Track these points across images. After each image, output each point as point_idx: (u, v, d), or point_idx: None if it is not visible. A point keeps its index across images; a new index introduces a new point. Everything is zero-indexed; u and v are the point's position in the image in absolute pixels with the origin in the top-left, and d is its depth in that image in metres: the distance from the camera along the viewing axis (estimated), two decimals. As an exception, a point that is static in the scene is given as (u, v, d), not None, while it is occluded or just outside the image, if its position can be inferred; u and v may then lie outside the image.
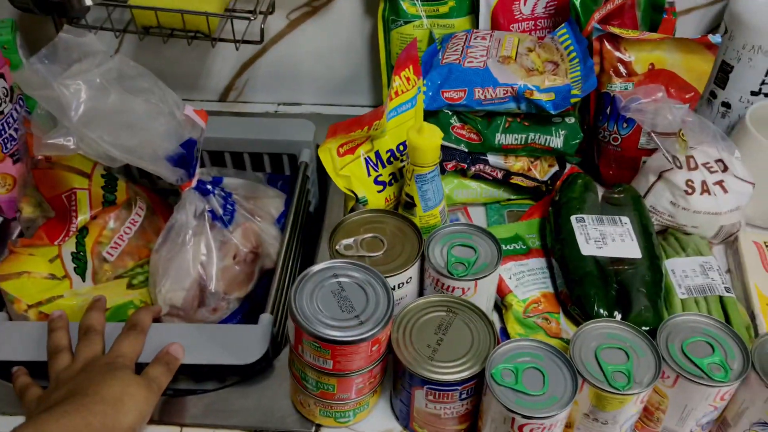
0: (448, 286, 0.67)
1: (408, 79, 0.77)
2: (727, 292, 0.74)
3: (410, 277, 0.69)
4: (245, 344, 0.70)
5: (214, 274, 0.78)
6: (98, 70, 0.65)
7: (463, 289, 0.67)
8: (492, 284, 0.70)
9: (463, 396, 0.61)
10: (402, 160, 0.80)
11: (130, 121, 0.69)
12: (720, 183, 0.81)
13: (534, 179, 0.87)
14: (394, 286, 0.68)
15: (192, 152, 0.75)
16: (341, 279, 0.63)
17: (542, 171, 0.88)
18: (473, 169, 0.87)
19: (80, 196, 0.81)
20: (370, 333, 0.58)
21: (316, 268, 0.63)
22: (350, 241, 0.71)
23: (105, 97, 0.66)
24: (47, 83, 0.63)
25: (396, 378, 0.65)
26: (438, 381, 0.60)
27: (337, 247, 0.70)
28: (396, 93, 0.77)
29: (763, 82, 0.89)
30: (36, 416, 0.57)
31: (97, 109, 0.65)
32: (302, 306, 0.60)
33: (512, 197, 0.91)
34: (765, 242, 0.82)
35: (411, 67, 0.77)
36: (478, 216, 0.91)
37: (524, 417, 0.56)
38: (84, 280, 0.79)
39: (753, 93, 0.90)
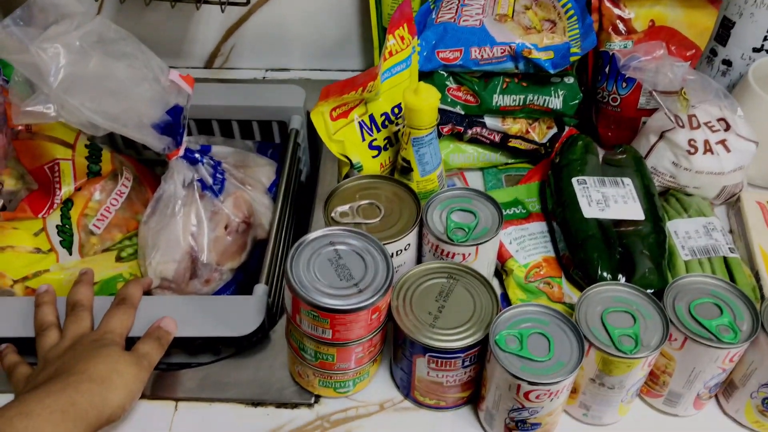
0: (448, 252, 0.66)
1: (402, 38, 0.74)
2: (731, 252, 0.73)
3: (408, 244, 0.67)
4: (240, 316, 0.68)
5: (205, 245, 0.76)
6: (77, 32, 0.62)
7: (463, 255, 0.65)
8: (493, 249, 0.68)
9: (466, 363, 0.60)
10: (397, 124, 0.78)
11: (112, 87, 0.66)
12: (722, 142, 0.79)
13: (532, 142, 0.85)
14: (393, 253, 0.66)
15: (179, 119, 0.72)
16: (338, 247, 0.60)
17: (541, 133, 0.86)
18: (470, 132, 0.84)
19: (63, 167, 0.78)
20: (369, 301, 0.56)
21: (312, 235, 0.61)
22: (346, 207, 0.69)
23: (86, 61, 0.62)
24: (23, 47, 0.59)
25: (396, 346, 0.64)
26: (440, 348, 0.58)
27: (332, 215, 0.68)
28: (390, 53, 0.74)
29: (765, 38, 0.86)
30: (21, 396, 0.55)
31: (77, 74, 0.61)
32: (299, 275, 0.58)
33: (510, 161, 0.89)
34: (768, 202, 0.81)
35: (405, 25, 0.75)
36: (476, 181, 0.89)
37: (530, 383, 0.55)
38: (70, 254, 0.76)
39: (755, 50, 0.88)
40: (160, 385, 0.68)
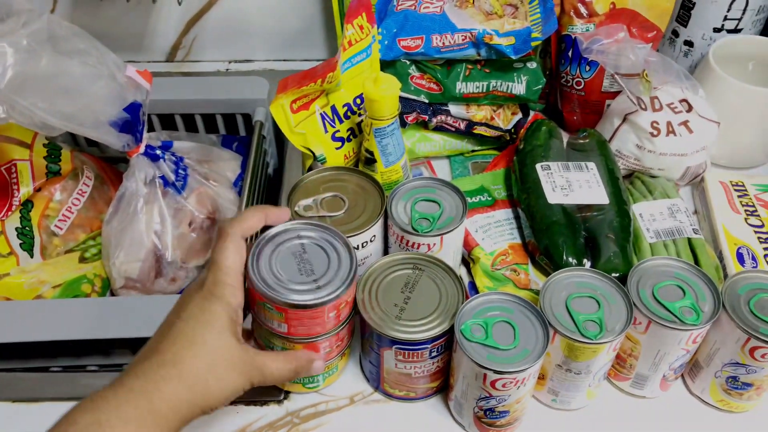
0: (413, 243, 0.65)
1: (361, 27, 0.73)
2: (695, 233, 0.73)
3: (374, 236, 0.67)
4: (206, 314, 0.67)
5: (169, 243, 0.75)
6: (25, 30, 0.60)
7: (428, 245, 0.65)
8: (458, 238, 0.68)
9: (434, 354, 0.60)
10: (360, 114, 0.77)
11: (66, 85, 0.64)
12: (685, 123, 0.79)
13: (497, 128, 0.85)
14: (358, 245, 0.66)
15: (137, 116, 0.71)
16: (303, 241, 0.59)
17: (505, 119, 0.85)
18: (435, 120, 0.84)
19: (21, 168, 0.76)
20: (326, 298, 0.55)
21: (274, 230, 0.60)
22: (309, 201, 0.68)
23: (35, 60, 0.61)
24: (-32, 47, 0.58)
25: (364, 339, 0.63)
26: (406, 340, 0.58)
27: (296, 208, 0.67)
28: (349, 43, 0.73)
29: (725, 18, 0.87)
30: (103, 393, 0.47)
31: (27, 74, 0.60)
32: (259, 268, 0.56)
33: (476, 148, 0.89)
34: (731, 182, 0.81)
35: (364, 14, 0.74)
36: (443, 169, 0.89)
37: (496, 372, 0.55)
38: (32, 257, 0.75)
39: (716, 30, 0.88)
40: (127, 386, 0.67)
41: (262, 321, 0.58)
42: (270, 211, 0.59)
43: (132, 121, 0.70)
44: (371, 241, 0.67)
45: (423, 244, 0.65)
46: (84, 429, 0.44)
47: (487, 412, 0.60)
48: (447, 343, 0.60)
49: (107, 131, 0.69)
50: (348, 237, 0.60)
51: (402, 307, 0.60)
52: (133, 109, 0.70)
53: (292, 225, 0.60)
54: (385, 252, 0.71)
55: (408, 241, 0.65)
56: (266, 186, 0.92)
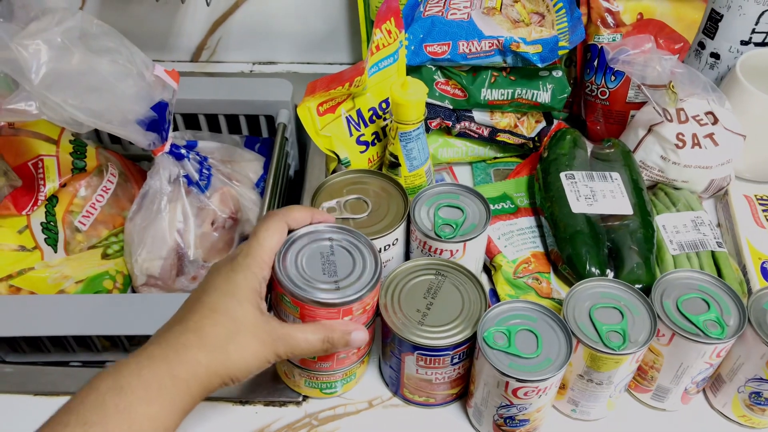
0: (436, 249, 0.65)
1: (389, 32, 0.74)
2: (719, 247, 0.73)
3: (396, 239, 0.67)
4: (227, 313, 0.67)
5: (192, 242, 0.75)
6: (59, 28, 0.61)
7: (451, 251, 0.65)
8: (481, 245, 0.68)
9: (455, 360, 0.60)
10: (385, 119, 0.77)
11: (95, 83, 0.65)
12: (710, 136, 0.79)
13: (521, 136, 0.85)
14: (380, 248, 0.66)
15: (164, 115, 0.72)
16: (330, 243, 0.59)
17: (529, 127, 0.85)
18: (458, 126, 0.84)
19: (48, 164, 0.77)
20: (343, 300, 0.55)
21: (304, 230, 0.59)
22: (333, 203, 0.68)
23: (68, 57, 0.61)
24: (4, 43, 0.58)
25: (385, 344, 0.63)
26: (429, 346, 0.58)
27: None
28: (377, 47, 0.73)
29: (753, 31, 0.86)
30: (126, 361, 0.48)
31: (59, 71, 0.60)
32: (285, 262, 0.56)
33: (498, 155, 0.89)
34: (756, 195, 0.81)
35: (392, 19, 0.74)
36: (464, 175, 0.89)
37: (518, 380, 0.55)
38: (56, 251, 0.76)
39: (743, 42, 0.87)
40: (147, 383, 0.67)
41: (278, 314, 0.58)
42: (317, 213, 0.60)
43: (158, 119, 0.71)
44: (393, 244, 0.67)
45: (446, 250, 0.65)
46: (104, 393, 0.45)
47: (507, 421, 0.59)
48: (469, 350, 0.60)
49: (134, 129, 0.69)
50: (371, 239, 0.60)
51: (425, 312, 0.60)
52: (160, 108, 0.70)
53: (323, 227, 0.60)
54: (407, 256, 0.71)
55: (431, 247, 0.65)
56: (287, 187, 0.93)
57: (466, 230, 0.66)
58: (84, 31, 0.64)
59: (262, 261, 0.54)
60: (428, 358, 0.59)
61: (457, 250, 0.65)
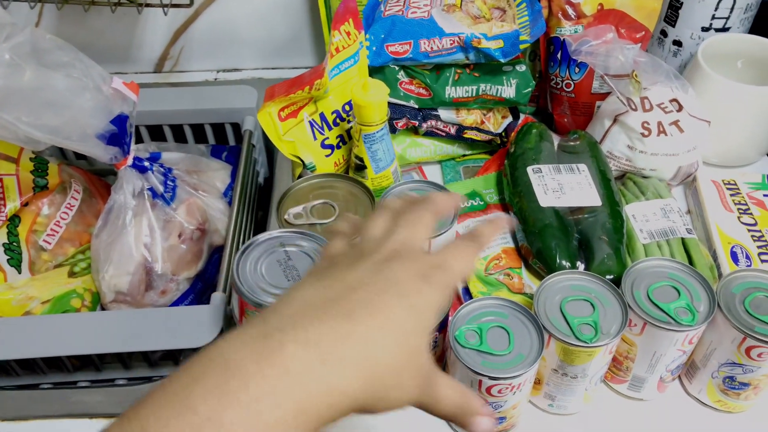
0: None
1: (348, 33, 0.73)
2: (688, 233, 0.73)
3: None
4: (198, 326, 0.66)
5: (159, 255, 0.74)
6: (7, 44, 0.59)
7: None
8: (448, 242, 0.67)
9: None
10: (349, 121, 0.77)
11: (50, 98, 0.63)
12: (675, 123, 0.79)
13: (488, 132, 0.85)
14: None
15: (124, 128, 0.70)
16: (288, 248, 0.59)
17: (496, 123, 0.85)
18: (425, 125, 0.83)
19: (7, 183, 0.75)
20: None
21: (261, 237, 0.59)
22: (299, 209, 0.67)
23: (18, 74, 0.60)
24: (-50, 62, 0.57)
25: None
26: None
27: (285, 217, 0.67)
28: (336, 49, 0.72)
29: (713, 17, 0.87)
30: (225, 381, 0.32)
31: (10, 88, 0.59)
32: (245, 275, 0.56)
33: (467, 152, 0.89)
34: (723, 180, 0.81)
35: (351, 20, 0.73)
36: (434, 174, 0.88)
37: (491, 378, 0.54)
38: (20, 272, 0.74)
39: (704, 29, 0.88)
40: (120, 401, 0.66)
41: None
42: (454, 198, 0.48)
43: (119, 133, 0.69)
44: None
45: None
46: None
47: (484, 419, 0.59)
48: (437, 350, 0.59)
49: (94, 144, 0.68)
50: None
51: None
52: (120, 121, 0.69)
53: (278, 233, 0.60)
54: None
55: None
56: (257, 195, 0.92)
57: None
58: (35, 46, 0.63)
59: (454, 285, 0.41)
60: None
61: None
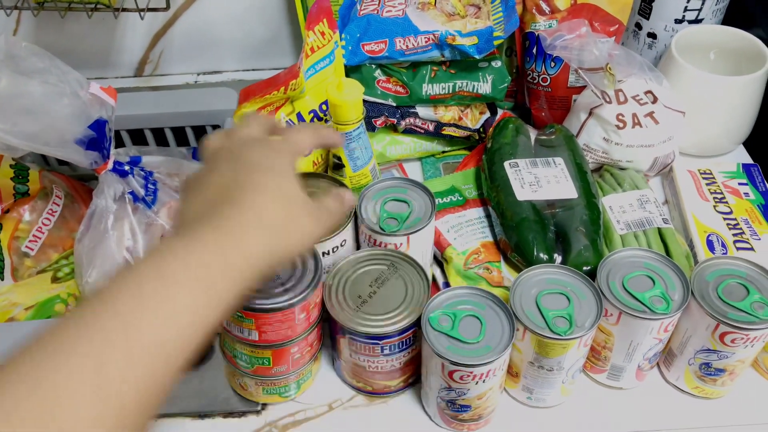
0: (381, 243, 0.66)
1: (323, 33, 0.73)
2: (665, 223, 0.74)
3: (344, 240, 0.67)
4: (180, 328, 0.67)
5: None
6: (-19, 52, 0.60)
7: (395, 245, 0.65)
8: (426, 238, 0.68)
9: (386, 352, 0.60)
10: (326, 120, 0.77)
11: (27, 105, 0.64)
12: (651, 114, 0.80)
13: (466, 128, 0.85)
14: (329, 251, 0.66)
15: (103, 133, 0.71)
16: None
17: (473, 119, 0.86)
18: (403, 123, 0.84)
19: (-12, 190, 0.76)
20: (295, 299, 0.56)
21: None
22: None
23: (-7, 81, 0.60)
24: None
25: (329, 325, 0.64)
26: (358, 332, 0.58)
27: None
28: (312, 49, 0.73)
29: (685, 9, 0.87)
30: (166, 243, 0.41)
31: (-15, 96, 0.60)
32: None
33: (447, 149, 0.89)
34: (699, 170, 0.82)
35: (325, 20, 0.74)
36: (414, 171, 0.89)
37: (452, 363, 0.55)
38: (2, 279, 0.75)
39: (677, 21, 0.89)
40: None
41: (231, 331, 0.58)
42: (323, 131, 0.55)
43: (98, 138, 0.70)
44: (342, 245, 0.67)
45: (390, 243, 0.65)
46: (143, 280, 0.38)
47: (449, 404, 0.60)
48: (401, 343, 0.60)
49: (73, 149, 0.68)
50: (318, 242, 0.61)
51: (365, 300, 0.60)
52: (99, 126, 0.70)
53: None
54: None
55: (375, 241, 0.66)
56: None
57: (410, 224, 0.66)
58: (10, 54, 0.63)
59: (297, 142, 0.51)
60: (358, 344, 0.60)
61: (401, 244, 0.65)
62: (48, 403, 0.32)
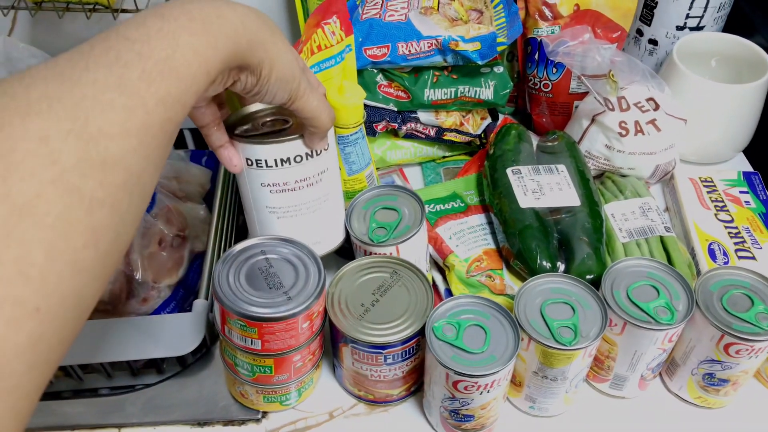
0: (371, 253, 0.65)
1: (333, 33, 0.72)
2: (667, 231, 0.74)
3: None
4: (180, 334, 0.66)
5: (139, 263, 0.73)
6: (-21, 54, 0.59)
7: (385, 254, 0.65)
8: (417, 246, 0.67)
9: (389, 361, 0.59)
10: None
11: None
12: (653, 122, 0.80)
13: (467, 134, 0.85)
14: (289, 159, 0.64)
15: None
16: (269, 255, 0.59)
17: (475, 125, 0.85)
18: (404, 128, 0.84)
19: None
20: (298, 309, 0.55)
21: (240, 245, 0.60)
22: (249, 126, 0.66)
23: (-8, 83, 0.59)
24: None
25: (331, 334, 0.63)
26: (362, 341, 0.58)
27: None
28: (318, 47, 0.72)
29: (687, 16, 0.87)
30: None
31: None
32: (226, 284, 0.56)
33: (447, 154, 0.89)
34: (700, 178, 0.82)
35: (338, 20, 0.73)
36: (415, 176, 0.88)
37: (457, 373, 0.54)
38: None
39: (678, 27, 0.89)
40: (102, 412, 0.66)
41: (233, 340, 0.58)
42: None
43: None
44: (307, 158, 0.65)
45: (379, 253, 0.65)
46: (145, 16, 0.40)
47: (452, 414, 0.59)
48: (404, 352, 0.59)
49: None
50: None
51: (368, 308, 0.60)
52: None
53: (259, 241, 0.60)
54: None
55: (365, 251, 0.65)
56: (238, 200, 0.91)
57: (399, 232, 0.65)
58: (8, 56, 0.62)
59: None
60: (361, 353, 0.59)
61: (391, 253, 0.65)
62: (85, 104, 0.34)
